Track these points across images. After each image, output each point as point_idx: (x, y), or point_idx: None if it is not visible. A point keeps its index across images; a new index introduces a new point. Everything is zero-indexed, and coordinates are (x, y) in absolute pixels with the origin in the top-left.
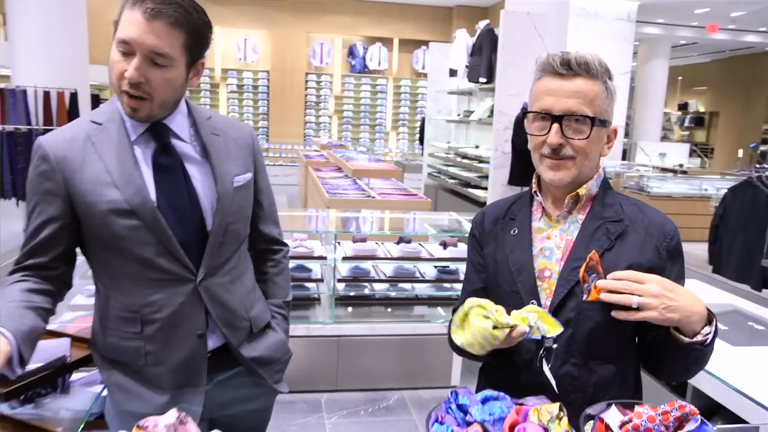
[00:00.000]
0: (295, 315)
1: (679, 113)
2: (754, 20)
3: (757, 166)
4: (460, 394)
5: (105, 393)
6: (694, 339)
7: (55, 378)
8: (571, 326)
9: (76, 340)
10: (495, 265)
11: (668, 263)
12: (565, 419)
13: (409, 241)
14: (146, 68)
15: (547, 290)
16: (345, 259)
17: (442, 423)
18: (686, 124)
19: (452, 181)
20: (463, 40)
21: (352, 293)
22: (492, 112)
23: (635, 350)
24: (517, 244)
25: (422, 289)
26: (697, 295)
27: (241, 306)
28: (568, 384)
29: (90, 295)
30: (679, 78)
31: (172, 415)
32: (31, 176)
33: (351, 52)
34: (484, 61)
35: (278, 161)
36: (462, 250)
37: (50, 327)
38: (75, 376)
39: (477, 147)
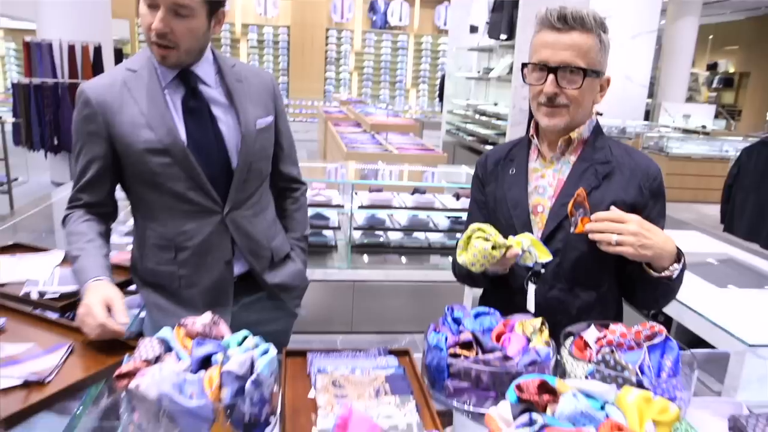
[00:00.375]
0: (313, 261)
1: (707, 73)
2: None
3: None
4: (455, 309)
5: (143, 315)
6: (662, 274)
7: None
8: (559, 255)
9: (115, 267)
10: (494, 201)
11: (650, 201)
12: (546, 332)
13: (423, 192)
14: (170, 19)
15: (539, 223)
16: (361, 207)
17: (438, 332)
18: (714, 85)
19: (470, 138)
20: None
21: (367, 241)
22: (511, 69)
23: (616, 280)
24: (514, 182)
25: (435, 238)
26: (670, 236)
27: (264, 237)
28: (554, 307)
29: (122, 235)
30: (710, 37)
31: (207, 316)
32: (75, 119)
33: (372, 8)
34: (505, 17)
35: (298, 117)
36: None
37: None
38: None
39: (496, 104)
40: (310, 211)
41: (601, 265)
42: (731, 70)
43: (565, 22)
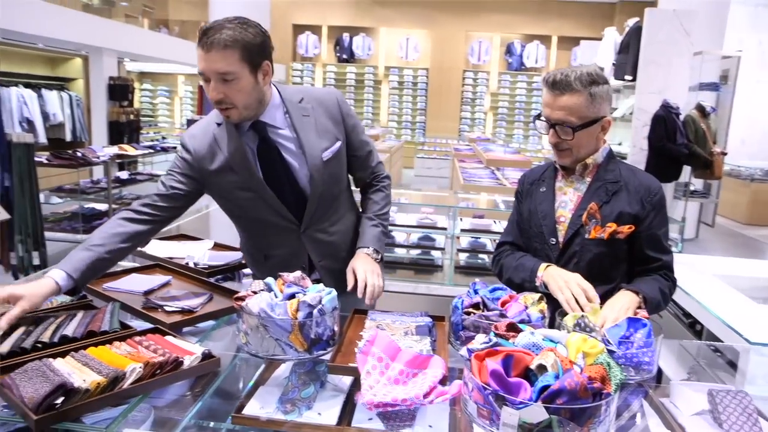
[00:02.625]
0: (419, 277)
1: None
2: None
3: None
4: (477, 284)
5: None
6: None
7: (234, 271)
8: (576, 256)
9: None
10: (528, 213)
11: (652, 213)
12: (543, 305)
13: (481, 217)
14: (221, 87)
15: (561, 231)
16: (463, 231)
17: (460, 299)
18: None
19: None
20: (612, 38)
21: (470, 263)
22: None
23: (628, 277)
24: (544, 198)
25: None
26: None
27: (342, 240)
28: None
29: None
30: None
31: (297, 273)
32: (176, 157)
33: (508, 50)
34: (630, 58)
35: (432, 154)
36: None
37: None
38: (245, 280)
39: (620, 144)
40: (419, 233)
41: (613, 265)
42: None
43: (556, 87)
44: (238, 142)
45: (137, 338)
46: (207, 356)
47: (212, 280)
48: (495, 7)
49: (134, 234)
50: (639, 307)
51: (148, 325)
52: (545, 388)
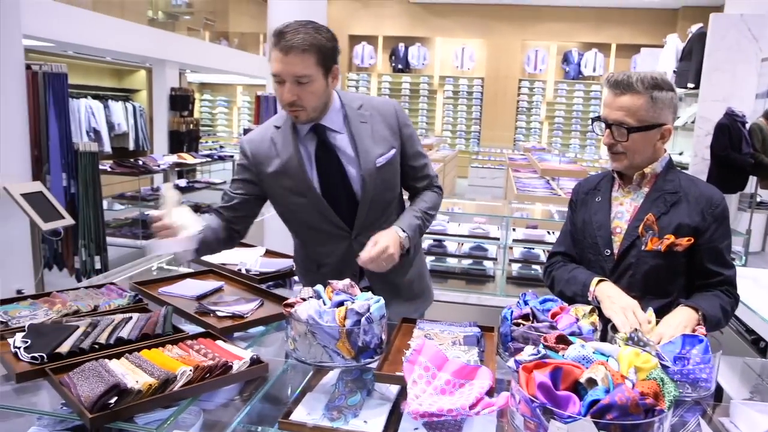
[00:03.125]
0: (471, 287)
1: None
2: None
3: None
4: (527, 294)
5: None
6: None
7: (285, 278)
8: (632, 268)
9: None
10: (582, 223)
11: (713, 225)
12: (595, 317)
13: (535, 227)
14: (295, 89)
15: (617, 242)
16: (515, 241)
17: (509, 309)
18: None
19: None
20: (674, 45)
21: (523, 273)
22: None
23: (686, 292)
24: (600, 208)
25: None
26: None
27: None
28: None
29: None
30: None
31: (346, 281)
32: (237, 162)
33: (566, 59)
34: (693, 66)
35: (486, 164)
36: None
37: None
38: (296, 287)
39: (681, 153)
40: (471, 243)
41: (670, 278)
42: None
43: (617, 86)
44: (295, 146)
45: (189, 342)
46: (255, 361)
47: (263, 286)
48: (552, 15)
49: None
50: (698, 325)
51: (200, 330)
52: (595, 402)
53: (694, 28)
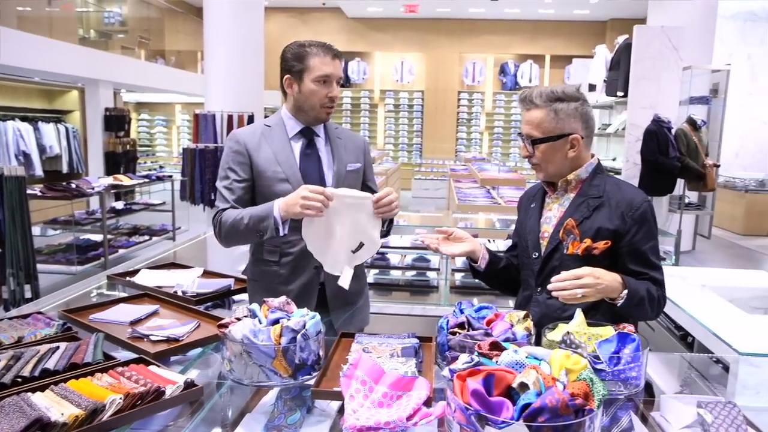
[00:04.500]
0: (415, 298)
1: None
2: None
3: None
4: (463, 303)
5: None
6: (614, 301)
7: (224, 297)
8: (556, 271)
9: (237, 280)
10: (521, 227)
11: (634, 227)
12: (529, 322)
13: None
14: (337, 89)
15: (544, 246)
16: None
17: (445, 318)
18: None
19: None
20: (603, 56)
21: (466, 282)
22: (625, 125)
23: None
24: (533, 213)
25: None
26: (617, 275)
27: None
28: (551, 313)
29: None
30: None
31: (282, 298)
32: (227, 152)
33: (502, 70)
34: (621, 75)
35: (429, 175)
36: None
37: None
38: (234, 306)
39: (614, 159)
40: (413, 254)
41: None
42: None
43: (523, 102)
44: (285, 140)
45: (120, 369)
46: (190, 385)
47: (201, 308)
48: (488, 28)
49: None
50: (616, 299)
51: (133, 356)
52: (527, 406)
53: (621, 39)
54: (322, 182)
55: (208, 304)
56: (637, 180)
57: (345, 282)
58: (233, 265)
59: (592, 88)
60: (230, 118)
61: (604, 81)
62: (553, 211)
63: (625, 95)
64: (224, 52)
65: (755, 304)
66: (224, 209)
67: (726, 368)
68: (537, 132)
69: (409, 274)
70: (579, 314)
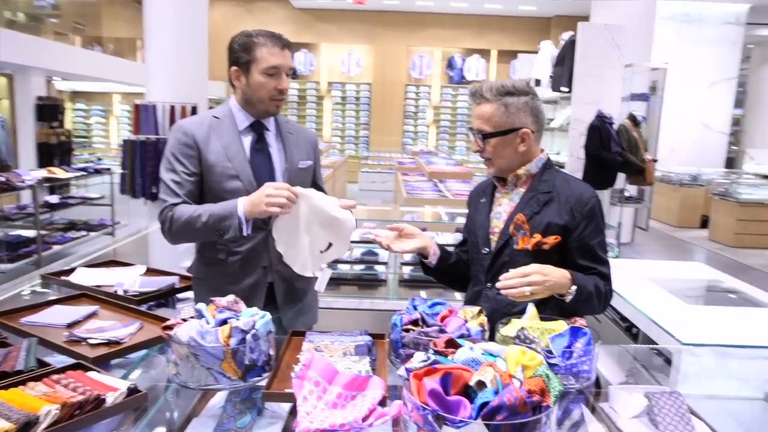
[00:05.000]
0: (364, 292)
1: None
2: None
3: None
4: (416, 300)
5: None
6: (563, 298)
7: (168, 296)
8: (506, 267)
9: (182, 278)
10: (471, 222)
11: (582, 222)
12: (483, 318)
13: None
14: (288, 80)
15: (494, 241)
16: None
17: (398, 315)
18: None
19: None
20: (548, 51)
21: (414, 275)
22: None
23: None
24: (482, 209)
25: None
26: (565, 271)
27: None
28: (502, 308)
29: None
30: None
31: (231, 297)
32: (173, 144)
33: (450, 64)
34: (566, 71)
35: (376, 168)
36: None
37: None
38: (182, 304)
39: (558, 153)
40: (362, 248)
41: None
42: None
43: (473, 96)
44: (235, 133)
45: (55, 376)
46: (133, 391)
47: (143, 307)
48: (435, 22)
49: None
50: (565, 295)
51: (71, 361)
52: (485, 404)
53: (566, 35)
54: (272, 180)
55: (152, 303)
56: (581, 174)
57: (321, 286)
58: (177, 261)
59: (537, 83)
60: (172, 109)
61: (550, 76)
62: (503, 206)
63: (570, 91)
64: (166, 41)
65: (692, 294)
66: (175, 204)
67: (668, 359)
68: (487, 126)
69: (358, 268)
70: (531, 308)
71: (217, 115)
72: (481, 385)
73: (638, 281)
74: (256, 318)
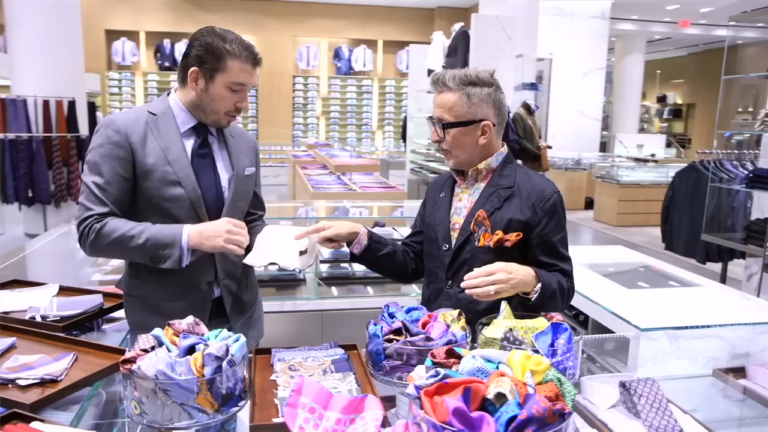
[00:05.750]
0: (283, 293)
1: (658, 105)
2: (723, 15)
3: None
4: (390, 306)
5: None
6: (529, 296)
7: (94, 319)
8: (467, 264)
9: (107, 296)
10: (429, 217)
11: (544, 219)
12: (463, 320)
13: (383, 225)
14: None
15: (455, 237)
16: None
17: (376, 325)
18: (665, 116)
19: (433, 175)
20: (440, 42)
21: (334, 273)
22: None
23: None
24: (442, 204)
25: None
26: (529, 268)
27: (241, 264)
28: (464, 306)
29: (105, 273)
30: (658, 71)
31: (190, 318)
32: (101, 143)
33: (337, 55)
34: (459, 61)
35: (268, 162)
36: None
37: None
38: (108, 325)
39: None
40: None
41: None
42: (679, 101)
43: (435, 85)
44: (177, 135)
45: None
46: None
47: (65, 334)
48: (321, 12)
49: None
50: (529, 294)
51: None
52: (512, 418)
53: (457, 26)
54: (218, 187)
55: (73, 331)
56: None
57: (295, 262)
58: (75, 274)
59: (430, 73)
60: (46, 104)
61: (443, 66)
62: (463, 202)
63: None
64: (33, 27)
65: (627, 279)
66: (102, 214)
67: (619, 344)
68: (448, 116)
69: (273, 268)
70: (505, 307)
71: (154, 111)
72: (500, 397)
73: (576, 268)
74: (228, 342)
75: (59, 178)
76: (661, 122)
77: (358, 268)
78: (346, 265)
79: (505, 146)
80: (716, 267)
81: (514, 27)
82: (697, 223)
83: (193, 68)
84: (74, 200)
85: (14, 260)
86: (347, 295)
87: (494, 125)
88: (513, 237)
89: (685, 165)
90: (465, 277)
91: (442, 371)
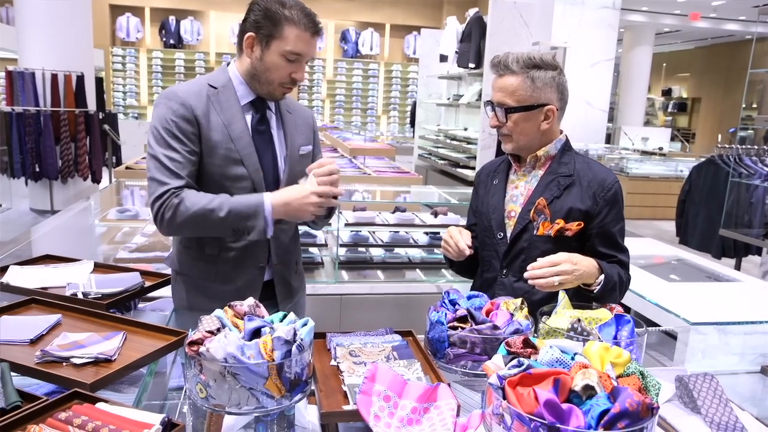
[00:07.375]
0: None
1: (663, 99)
2: (734, 9)
3: (726, 146)
4: (450, 293)
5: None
6: (591, 288)
7: (135, 297)
8: (524, 253)
9: (144, 274)
10: (481, 204)
11: (605, 209)
12: (526, 309)
13: (404, 210)
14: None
15: (510, 226)
16: (347, 225)
17: (438, 312)
18: (669, 110)
19: (442, 161)
20: (454, 27)
21: (352, 257)
22: (480, 95)
23: None
24: (496, 191)
25: (414, 254)
26: (593, 260)
27: (293, 246)
28: (521, 295)
29: (130, 251)
30: (664, 64)
31: (250, 300)
32: (166, 116)
33: (343, 38)
34: (473, 47)
35: None
36: (451, 217)
37: (123, 264)
38: (143, 304)
39: (465, 129)
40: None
41: None
42: (684, 95)
43: (496, 68)
44: (238, 110)
45: (62, 415)
46: (168, 425)
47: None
48: None
49: None
50: (591, 285)
51: (50, 387)
52: (604, 412)
53: (472, 12)
54: (275, 168)
55: (118, 307)
56: (493, 150)
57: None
58: (84, 251)
59: (443, 58)
60: (54, 78)
61: (456, 52)
62: (520, 189)
63: (476, 67)
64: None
65: (665, 272)
66: (179, 187)
67: (665, 337)
68: (511, 100)
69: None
70: (564, 296)
71: (214, 83)
72: (587, 389)
73: None
74: (296, 325)
75: (67, 153)
76: (666, 115)
77: (376, 252)
78: (363, 249)
79: (564, 133)
80: (729, 262)
81: (532, 14)
82: (713, 217)
83: (249, 34)
84: (81, 176)
85: (36, 237)
86: (365, 280)
87: (557, 110)
88: (574, 226)
89: (703, 159)
90: (528, 267)
91: (525, 361)
